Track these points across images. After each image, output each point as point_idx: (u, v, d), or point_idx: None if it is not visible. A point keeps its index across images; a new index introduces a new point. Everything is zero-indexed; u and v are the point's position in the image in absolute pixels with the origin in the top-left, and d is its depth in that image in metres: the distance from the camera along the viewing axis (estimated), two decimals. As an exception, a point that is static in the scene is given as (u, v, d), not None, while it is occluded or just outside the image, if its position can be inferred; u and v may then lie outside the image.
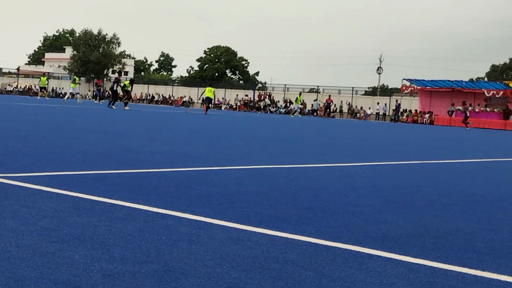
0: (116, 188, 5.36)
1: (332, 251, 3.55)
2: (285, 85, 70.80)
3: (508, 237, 4.35)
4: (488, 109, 52.33)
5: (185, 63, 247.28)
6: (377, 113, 61.45)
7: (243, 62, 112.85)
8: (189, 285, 2.73)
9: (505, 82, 58.63)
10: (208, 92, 40.25)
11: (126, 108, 33.52)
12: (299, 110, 54.74)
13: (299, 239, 3.80)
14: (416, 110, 58.08)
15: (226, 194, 5.42)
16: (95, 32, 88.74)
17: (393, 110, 59.67)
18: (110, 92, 35.88)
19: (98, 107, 34.44)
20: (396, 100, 59.48)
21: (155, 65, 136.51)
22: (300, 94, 55.47)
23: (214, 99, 58.51)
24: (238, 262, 3.16)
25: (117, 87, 34.65)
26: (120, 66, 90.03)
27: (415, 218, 4.88)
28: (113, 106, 33.45)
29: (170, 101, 72.09)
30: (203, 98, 40.48)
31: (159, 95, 74.83)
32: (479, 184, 7.78)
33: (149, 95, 75.48)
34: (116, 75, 37.48)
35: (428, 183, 7.51)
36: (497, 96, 51.85)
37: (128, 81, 36.10)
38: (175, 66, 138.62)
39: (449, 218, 4.96)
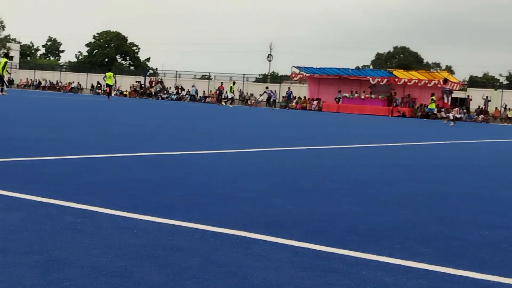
0: (-2, 177, 5.16)
1: (219, 237, 3.59)
2: (176, 71, 70.35)
3: (388, 219, 4.55)
4: (373, 96, 54.20)
5: (73, 48, 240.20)
6: (268, 100, 62.25)
7: (134, 48, 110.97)
8: (73, 275, 2.69)
9: (389, 70, 60.96)
10: (108, 78, 40.23)
11: (2, 94, 31.90)
12: (231, 99, 54.32)
13: (186, 226, 3.81)
14: (305, 97, 59.29)
15: (114, 182, 5.35)
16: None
17: (283, 97, 60.70)
18: None
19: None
20: (289, 88, 60.59)
21: (42, 50, 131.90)
22: (233, 83, 55.23)
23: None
24: (124, 251, 3.14)
25: None
26: (5, 51, 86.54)
27: (301, 202, 5.01)
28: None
29: (58, 87, 69.94)
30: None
31: (46, 81, 72.37)
32: (362, 169, 8.07)
33: (36, 81, 72.84)
34: None
35: (314, 168, 7.72)
36: (381, 83, 53.81)
37: (3, 57, 34.14)
38: (63, 51, 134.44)
39: (333, 202, 5.12)
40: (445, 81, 32.90)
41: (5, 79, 33.77)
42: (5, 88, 33.46)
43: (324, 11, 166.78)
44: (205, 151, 9.00)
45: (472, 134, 23.94)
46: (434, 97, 44.29)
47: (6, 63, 32.96)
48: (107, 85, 40.76)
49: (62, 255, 2.97)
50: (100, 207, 4.17)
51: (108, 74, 40.95)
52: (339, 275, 2.99)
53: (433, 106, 44.19)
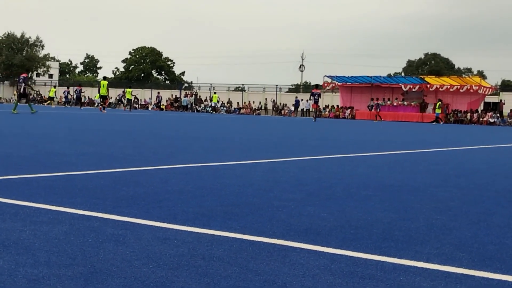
0: (41, 191, 5.30)
1: (257, 246, 3.64)
2: (211, 84, 70.85)
3: (424, 225, 4.56)
4: (405, 102, 53.86)
5: (110, 65, 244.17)
6: (302, 110, 62.28)
7: (169, 63, 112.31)
8: (115, 286, 2.76)
9: (421, 76, 60.61)
10: (102, 87, 41.90)
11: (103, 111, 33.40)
12: (213, 107, 56.57)
13: (225, 235, 3.87)
14: (337, 106, 59.14)
15: (152, 194, 5.44)
16: (18, 35, 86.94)
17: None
18: (17, 96, 31.16)
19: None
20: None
21: (80, 67, 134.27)
22: (215, 93, 57.74)
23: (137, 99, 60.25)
24: (164, 261, 3.21)
25: (26, 86, 30.13)
26: (45, 69, 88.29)
27: (336, 210, 5.04)
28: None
29: (96, 103, 70.97)
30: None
31: (85, 97, 73.46)
32: (395, 176, 8.05)
33: (75, 98, 73.91)
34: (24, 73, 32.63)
35: (348, 176, 7.73)
36: (413, 90, 53.45)
37: (103, 79, 35.50)
38: (100, 68, 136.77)
39: (368, 209, 5.15)
40: (317, 86, 41.09)
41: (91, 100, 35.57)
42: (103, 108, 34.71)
43: (354, 20, 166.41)
44: (238, 161, 9.08)
45: (505, 138, 23.66)
46: (440, 103, 49.05)
47: (108, 84, 34.43)
48: (101, 96, 40.04)
49: (105, 266, 3.06)
50: (140, 219, 4.26)
51: (102, 82, 40.76)
52: (376, 281, 3.02)
53: (438, 111, 48.94)
